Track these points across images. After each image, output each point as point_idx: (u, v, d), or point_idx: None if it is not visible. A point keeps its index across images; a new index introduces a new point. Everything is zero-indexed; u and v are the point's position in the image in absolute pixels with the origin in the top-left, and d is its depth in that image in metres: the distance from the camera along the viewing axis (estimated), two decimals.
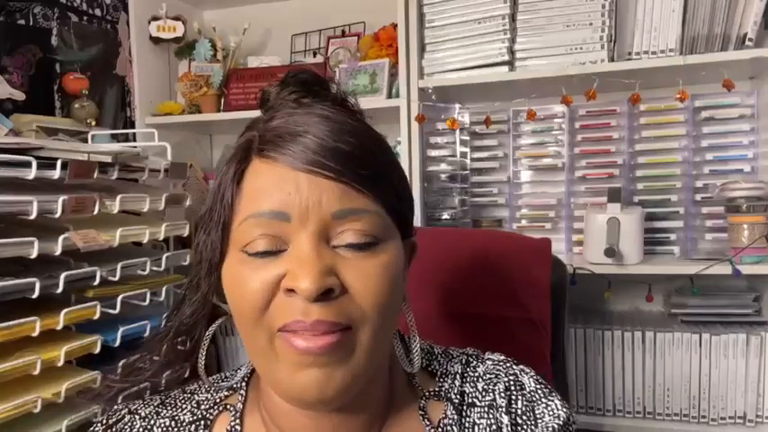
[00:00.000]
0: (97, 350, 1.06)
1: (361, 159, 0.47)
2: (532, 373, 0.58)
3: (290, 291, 0.45)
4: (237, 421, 0.55)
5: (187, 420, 0.55)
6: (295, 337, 0.45)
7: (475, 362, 0.60)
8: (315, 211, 0.45)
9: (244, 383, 0.58)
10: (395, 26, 1.57)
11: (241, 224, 0.47)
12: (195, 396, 0.58)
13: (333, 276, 0.45)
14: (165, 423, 0.55)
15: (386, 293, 0.47)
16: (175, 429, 0.55)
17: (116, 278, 1.10)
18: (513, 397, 0.56)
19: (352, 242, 0.46)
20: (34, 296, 0.95)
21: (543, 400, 0.56)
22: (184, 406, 0.57)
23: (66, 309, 1.01)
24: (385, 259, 0.48)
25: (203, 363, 0.55)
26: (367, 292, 0.46)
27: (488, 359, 0.60)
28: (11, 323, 0.92)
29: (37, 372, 0.95)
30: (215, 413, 0.56)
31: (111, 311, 1.09)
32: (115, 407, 0.58)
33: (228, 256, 0.49)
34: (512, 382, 0.57)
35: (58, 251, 0.99)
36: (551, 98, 1.53)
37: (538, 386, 0.57)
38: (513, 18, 1.48)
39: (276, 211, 0.46)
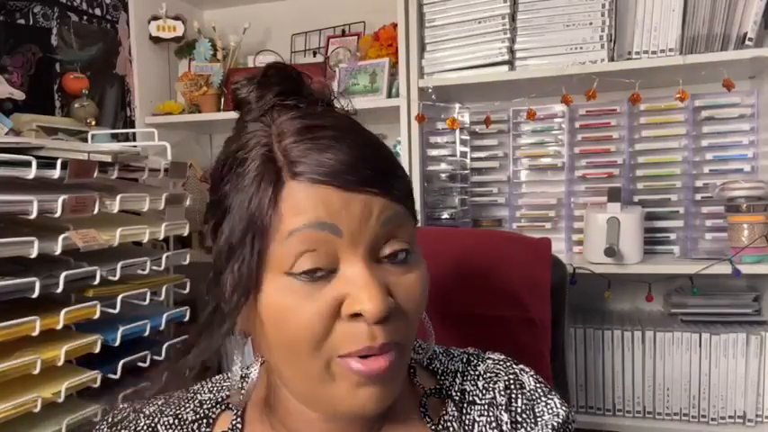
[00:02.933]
0: (97, 350, 1.06)
1: (393, 172, 0.48)
2: (532, 373, 0.59)
3: (356, 315, 0.44)
4: (239, 420, 0.56)
5: (190, 419, 0.56)
6: (356, 361, 0.45)
7: (475, 361, 0.60)
8: (366, 225, 0.45)
9: (244, 383, 0.58)
10: (395, 26, 1.57)
11: (285, 242, 0.44)
12: (198, 396, 0.58)
13: (388, 296, 0.46)
14: (168, 421, 0.56)
15: (424, 306, 0.50)
16: (178, 428, 0.56)
17: (116, 278, 1.10)
18: (513, 395, 0.56)
19: (396, 251, 0.47)
20: (34, 296, 0.95)
21: (543, 398, 0.56)
22: (187, 405, 0.57)
23: (66, 308, 1.01)
24: (421, 272, 0.49)
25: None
26: (414, 308, 0.48)
27: (489, 358, 0.61)
28: (11, 323, 0.92)
29: (37, 371, 0.95)
30: (217, 412, 0.57)
31: (111, 311, 1.09)
32: (120, 406, 0.58)
33: (267, 283, 0.46)
34: (512, 381, 0.57)
35: (58, 251, 0.99)
36: (551, 98, 1.53)
37: (537, 385, 0.57)
38: (513, 18, 1.48)
39: (327, 223, 0.44)
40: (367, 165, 0.46)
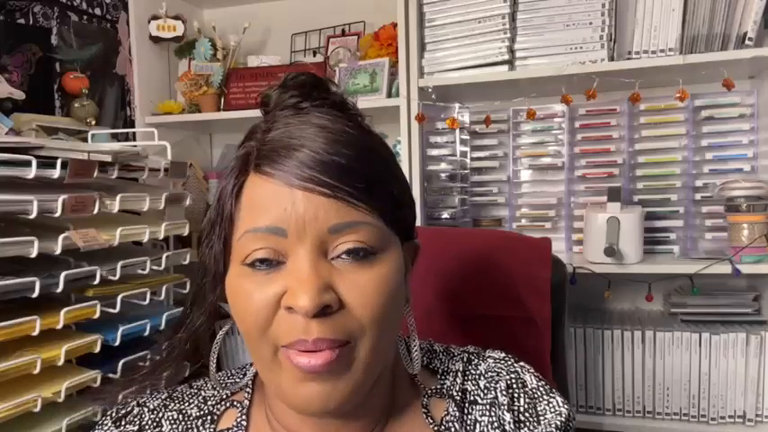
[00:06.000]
0: (97, 349, 1.06)
1: (357, 172, 0.47)
2: (533, 371, 0.59)
3: (290, 308, 0.45)
4: (244, 417, 0.56)
5: (194, 415, 0.57)
6: (297, 355, 0.46)
7: (476, 360, 0.60)
8: (311, 226, 0.45)
9: (250, 381, 0.59)
10: (395, 25, 1.57)
11: (240, 239, 0.48)
12: (202, 392, 0.59)
13: (330, 292, 0.45)
14: (172, 416, 0.56)
15: (382, 307, 0.47)
16: (183, 423, 0.56)
17: (116, 277, 1.10)
18: (516, 395, 0.56)
19: (350, 248, 0.46)
20: (34, 295, 0.95)
21: (545, 397, 0.56)
22: (191, 401, 0.58)
23: (67, 308, 1.01)
24: (382, 271, 0.48)
25: (215, 362, 0.56)
26: (364, 307, 0.46)
27: (489, 357, 0.60)
28: (11, 322, 0.92)
29: (37, 371, 0.95)
30: (222, 409, 0.57)
31: (111, 311, 1.09)
32: (124, 399, 0.59)
33: (231, 268, 0.50)
34: (513, 380, 0.57)
35: (58, 250, 0.99)
36: (551, 97, 1.53)
37: (539, 383, 0.57)
38: (512, 17, 1.48)
39: (272, 227, 0.46)
40: (324, 167, 0.46)
